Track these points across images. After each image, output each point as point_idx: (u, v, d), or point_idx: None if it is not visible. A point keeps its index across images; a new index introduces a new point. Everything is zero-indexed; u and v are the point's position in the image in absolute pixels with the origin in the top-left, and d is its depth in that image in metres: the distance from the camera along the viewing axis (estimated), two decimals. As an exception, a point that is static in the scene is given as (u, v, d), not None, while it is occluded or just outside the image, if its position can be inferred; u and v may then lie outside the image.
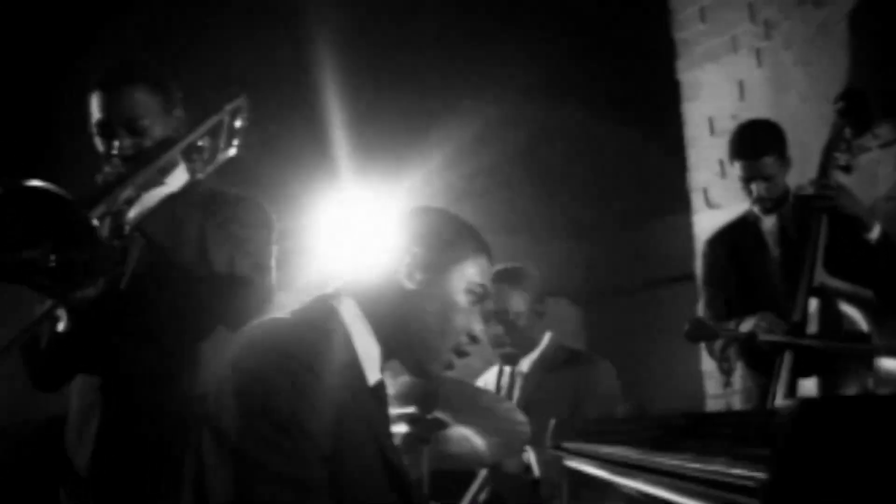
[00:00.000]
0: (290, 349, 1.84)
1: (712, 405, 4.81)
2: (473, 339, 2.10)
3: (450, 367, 2.10)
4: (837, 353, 3.13)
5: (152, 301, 2.44)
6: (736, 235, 3.92)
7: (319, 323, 1.96)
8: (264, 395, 1.78)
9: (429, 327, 2.04)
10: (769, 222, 3.81)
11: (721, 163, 4.88)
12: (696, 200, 5.06)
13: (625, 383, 3.96)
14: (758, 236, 3.84)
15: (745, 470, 1.41)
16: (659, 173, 5.31)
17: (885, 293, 3.48)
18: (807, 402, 1.20)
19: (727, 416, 2.81)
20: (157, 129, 2.60)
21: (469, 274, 2.07)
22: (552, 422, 2.40)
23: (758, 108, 4.69)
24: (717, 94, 5.00)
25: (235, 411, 1.79)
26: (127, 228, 2.31)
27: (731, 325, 3.56)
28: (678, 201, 5.20)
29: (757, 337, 3.07)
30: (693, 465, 1.54)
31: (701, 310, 3.96)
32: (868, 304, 3.36)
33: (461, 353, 2.10)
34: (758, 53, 4.82)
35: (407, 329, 2.04)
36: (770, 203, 3.73)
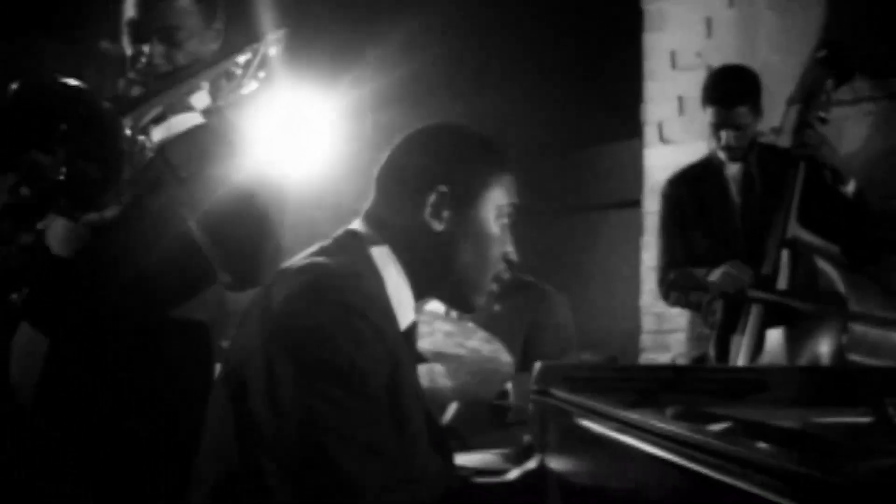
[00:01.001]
0: (343, 297, 1.72)
1: (647, 341, 4.82)
2: (509, 262, 2.01)
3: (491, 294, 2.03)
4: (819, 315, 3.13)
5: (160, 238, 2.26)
6: (698, 179, 3.88)
7: (358, 267, 1.84)
8: (322, 349, 1.66)
9: (467, 267, 1.94)
10: (734, 168, 3.78)
11: (680, 99, 4.85)
12: (650, 134, 5.01)
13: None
14: (721, 182, 3.81)
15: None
16: (613, 99, 5.22)
17: (853, 249, 3.50)
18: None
19: (717, 371, 2.82)
20: (193, 42, 2.35)
21: (497, 199, 1.95)
22: (537, 364, 2.33)
23: (724, 49, 4.65)
24: (682, 28, 4.92)
25: (290, 370, 1.66)
26: (149, 152, 2.12)
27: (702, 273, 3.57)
28: (629, 129, 5.13)
29: (746, 293, 3.06)
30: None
31: (658, 252, 3.94)
32: (838, 260, 3.37)
33: (498, 279, 2.02)
34: (732, -7, 4.75)
35: (446, 273, 1.93)
36: (739, 152, 3.71)
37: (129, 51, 2.32)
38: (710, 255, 3.67)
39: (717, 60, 4.41)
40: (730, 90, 3.70)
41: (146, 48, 2.25)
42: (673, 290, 3.69)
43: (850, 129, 4.28)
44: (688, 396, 2.16)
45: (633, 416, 1.72)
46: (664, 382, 2.25)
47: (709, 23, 4.83)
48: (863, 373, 2.50)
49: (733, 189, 3.78)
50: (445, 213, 1.90)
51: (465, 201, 1.92)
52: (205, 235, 2.20)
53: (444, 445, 1.95)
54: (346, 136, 5.29)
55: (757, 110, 3.71)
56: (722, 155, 3.76)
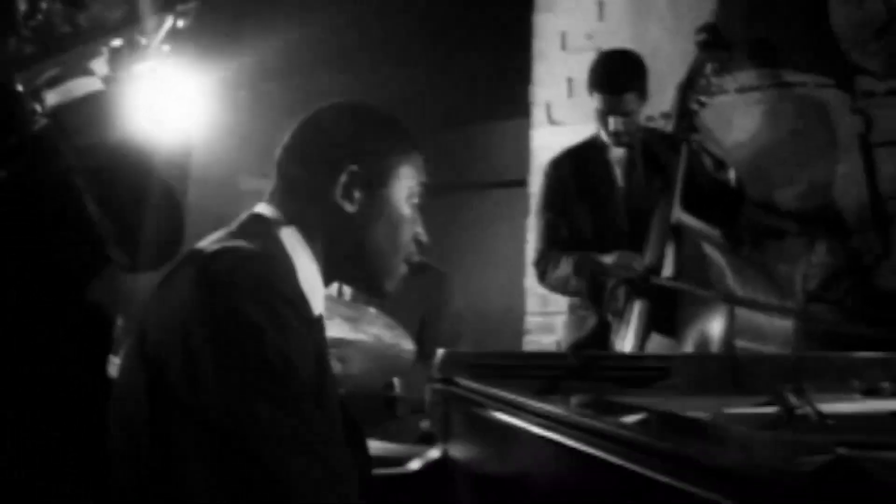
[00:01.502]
0: (265, 282, 1.62)
1: (532, 323, 4.81)
2: (420, 244, 1.94)
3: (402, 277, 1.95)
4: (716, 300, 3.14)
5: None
6: (582, 160, 3.86)
7: (272, 252, 1.74)
8: (248, 339, 1.55)
9: (380, 249, 1.86)
10: (618, 151, 3.78)
11: (569, 80, 4.83)
12: (538, 114, 4.98)
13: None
14: (605, 164, 3.80)
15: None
16: (503, 78, 5.19)
17: (733, 234, 3.54)
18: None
19: (620, 359, 2.81)
20: (97, 5, 2.20)
21: (408, 178, 1.89)
22: (439, 351, 2.28)
23: (616, 32, 4.65)
24: (574, 10, 4.90)
25: (213, 361, 1.54)
26: (41, 117, 1.96)
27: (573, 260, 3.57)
28: (518, 109, 5.11)
29: (650, 279, 3.05)
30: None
31: (536, 237, 3.92)
32: (721, 245, 3.40)
33: (409, 262, 1.94)
34: (624, -25, 4.75)
35: (358, 256, 1.85)
36: (626, 138, 3.70)
37: (22, 5, 2.15)
38: (593, 238, 3.67)
39: (608, 43, 4.40)
40: (617, 77, 3.69)
41: (44, 4, 2.09)
42: (577, 275, 3.66)
43: (738, 119, 4.33)
44: (592, 384, 2.16)
45: (541, 405, 1.68)
46: (569, 370, 2.23)
47: (601, 5, 4.82)
48: (756, 360, 2.53)
49: (617, 172, 3.78)
50: (357, 194, 1.82)
51: (376, 181, 1.85)
52: (100, 210, 2.06)
53: (357, 435, 1.87)
54: (228, 106, 5.15)
55: (643, 95, 3.71)
56: (608, 140, 3.75)
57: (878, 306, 3.92)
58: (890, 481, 1.10)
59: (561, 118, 4.86)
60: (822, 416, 1.76)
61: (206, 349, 1.56)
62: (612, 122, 3.66)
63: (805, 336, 3.91)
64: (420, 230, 1.93)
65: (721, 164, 3.56)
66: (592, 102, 3.75)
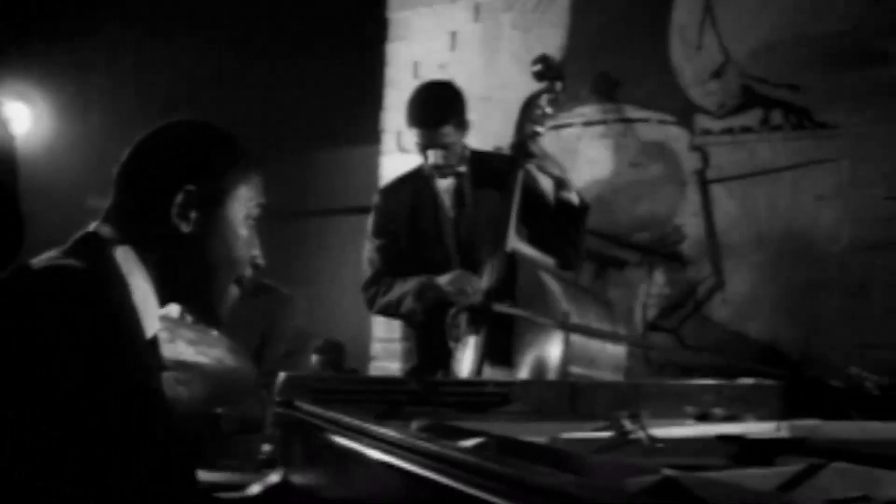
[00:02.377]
0: (92, 305, 1.57)
1: (378, 349, 4.82)
2: (256, 266, 1.92)
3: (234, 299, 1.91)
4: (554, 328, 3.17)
5: None
6: (411, 189, 3.87)
7: (104, 273, 1.70)
8: (69, 362, 1.50)
9: (215, 271, 1.83)
10: (446, 181, 3.79)
11: (420, 109, 4.87)
12: (388, 142, 5.03)
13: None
14: (433, 193, 3.82)
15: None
16: (355, 105, 5.21)
17: (568, 260, 3.60)
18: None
19: (461, 384, 2.83)
20: None
21: (245, 198, 1.87)
22: (280, 375, 2.26)
23: (468, 62, 4.73)
24: (427, 39, 4.97)
25: (28, 384, 1.50)
26: None
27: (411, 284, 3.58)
28: (369, 135, 5.14)
29: (492, 307, 3.07)
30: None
31: (367, 259, 3.91)
32: (555, 273, 3.44)
33: (249, 283, 1.92)
34: (476, 8, 4.84)
35: (194, 277, 1.82)
36: (448, 170, 3.72)
37: None
38: (422, 266, 3.68)
39: (460, 73, 4.47)
40: (432, 111, 3.68)
41: None
42: (419, 299, 3.65)
43: (583, 150, 4.44)
44: (433, 409, 2.17)
45: (381, 429, 1.68)
46: (410, 395, 2.24)
47: (453, 35, 4.89)
48: (594, 387, 2.57)
49: (446, 200, 3.80)
50: (193, 214, 1.79)
51: (213, 201, 1.82)
52: None
53: (186, 460, 1.83)
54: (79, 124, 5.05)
55: (462, 126, 3.72)
56: (434, 174, 3.76)
57: (711, 335, 4.06)
58: (710, 500, 1.14)
59: (410, 146, 4.88)
60: (653, 440, 1.82)
61: (22, 368, 1.51)
62: (432, 155, 3.66)
63: (644, 363, 4.04)
64: (257, 252, 1.91)
65: (561, 183, 3.61)
66: (412, 137, 3.76)
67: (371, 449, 1.65)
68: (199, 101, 5.10)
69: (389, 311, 3.86)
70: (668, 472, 1.35)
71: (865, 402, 2.24)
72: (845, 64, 3.93)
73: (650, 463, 1.55)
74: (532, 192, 3.61)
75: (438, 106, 3.71)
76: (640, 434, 1.89)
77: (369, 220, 3.95)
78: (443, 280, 3.55)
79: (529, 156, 3.54)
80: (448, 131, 3.66)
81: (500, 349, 3.30)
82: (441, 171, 3.71)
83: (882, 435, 1.93)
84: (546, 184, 3.65)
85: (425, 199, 3.81)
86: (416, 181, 3.86)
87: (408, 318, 3.79)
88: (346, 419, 1.82)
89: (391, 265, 3.79)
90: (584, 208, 3.65)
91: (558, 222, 3.64)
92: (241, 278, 1.91)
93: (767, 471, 1.58)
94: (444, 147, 3.66)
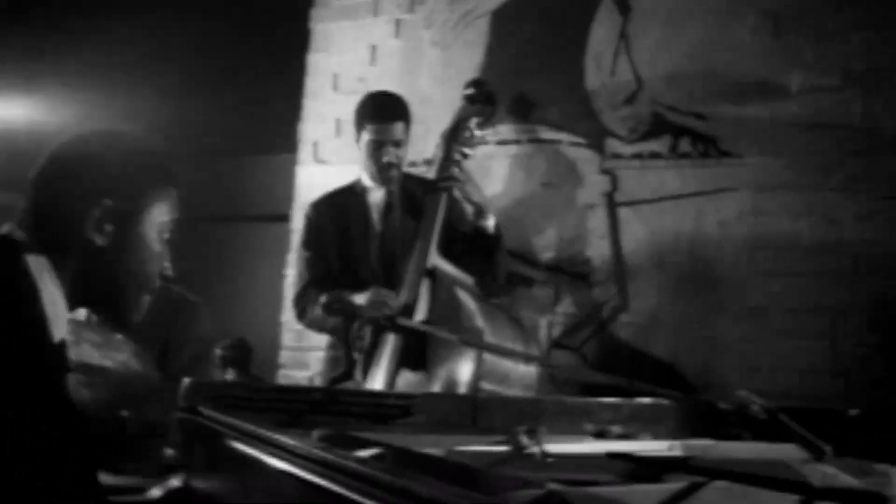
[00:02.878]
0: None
1: (286, 357, 4.83)
2: (166, 278, 1.94)
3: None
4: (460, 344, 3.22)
5: None
6: (342, 203, 3.91)
7: (11, 277, 1.71)
8: None
9: (126, 284, 1.86)
10: (377, 195, 3.84)
11: (338, 121, 4.91)
12: (305, 152, 5.05)
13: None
14: (364, 208, 3.86)
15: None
16: (273, 114, 5.23)
17: (487, 282, 3.67)
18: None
19: (364, 395, 2.86)
20: None
21: (161, 214, 1.90)
22: (184, 381, 2.28)
23: (387, 77, 4.77)
24: (347, 52, 5.01)
25: None
26: None
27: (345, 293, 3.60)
28: (286, 145, 5.16)
29: (395, 320, 3.11)
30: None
31: (296, 276, 3.94)
32: (473, 292, 3.51)
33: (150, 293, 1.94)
34: (398, 24, 4.89)
35: (105, 288, 1.84)
36: (396, 172, 3.76)
37: None
38: (348, 279, 3.72)
39: (379, 87, 4.50)
40: (389, 106, 3.80)
41: None
42: (328, 313, 3.69)
43: (496, 169, 4.52)
44: (336, 419, 2.20)
45: (281, 438, 1.72)
46: (313, 404, 2.28)
47: (373, 50, 4.94)
48: (497, 402, 2.62)
49: (374, 215, 3.84)
50: (108, 228, 1.82)
51: (128, 217, 1.85)
52: None
53: (89, 462, 1.85)
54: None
55: (409, 130, 3.81)
56: (376, 176, 3.79)
57: (614, 355, 4.16)
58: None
59: (327, 157, 4.93)
60: (546, 455, 1.88)
61: None
62: (386, 152, 3.72)
63: (548, 381, 4.11)
64: (167, 265, 1.94)
65: (481, 212, 3.68)
66: (364, 136, 3.78)
67: (269, 456, 1.68)
68: (119, 105, 5.10)
69: (316, 325, 3.90)
70: (553, 486, 1.41)
71: (752, 425, 2.32)
72: (750, 96, 4.08)
73: (540, 477, 1.60)
74: (454, 215, 3.67)
75: (394, 103, 3.83)
76: (534, 449, 1.95)
77: (300, 233, 3.99)
78: (360, 297, 3.58)
79: (455, 180, 3.60)
80: (401, 128, 3.75)
81: (415, 360, 3.36)
82: (391, 170, 3.76)
83: (769, 455, 2.01)
84: (467, 209, 3.71)
85: (355, 214, 3.84)
86: (348, 196, 3.90)
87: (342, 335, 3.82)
88: (248, 426, 1.85)
89: (320, 278, 3.81)
90: (497, 237, 3.72)
91: (476, 249, 3.70)
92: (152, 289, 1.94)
93: (651, 487, 1.64)
94: (396, 144, 3.72)
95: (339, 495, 1.40)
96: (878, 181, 3.86)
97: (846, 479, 1.72)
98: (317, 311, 3.75)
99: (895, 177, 3.84)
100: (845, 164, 3.91)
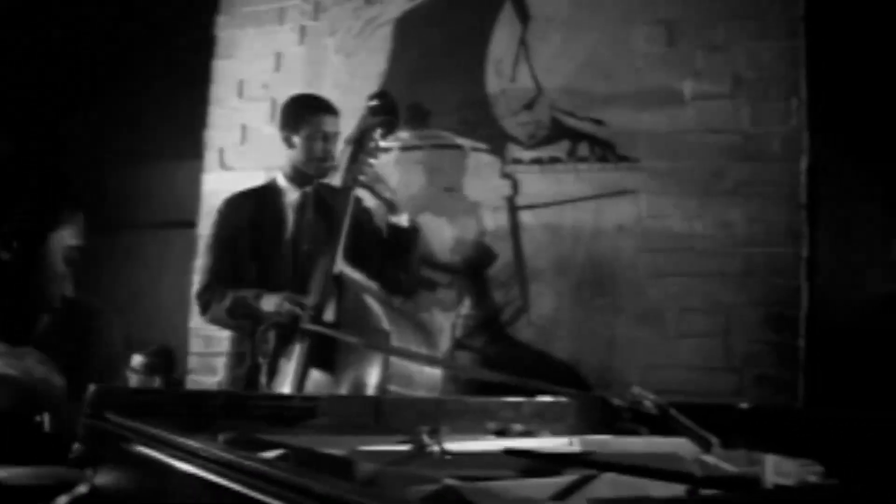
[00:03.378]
0: None
1: (195, 363, 4.84)
2: (65, 298, 1.98)
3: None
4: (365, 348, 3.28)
5: None
6: (257, 202, 3.93)
7: None
8: None
9: (29, 298, 1.89)
10: (292, 197, 3.87)
11: (244, 127, 4.94)
12: (210, 159, 5.07)
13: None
14: (279, 208, 3.89)
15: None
16: (178, 120, 5.22)
17: (393, 283, 3.74)
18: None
19: (269, 399, 2.90)
20: None
21: (67, 238, 1.94)
22: (91, 387, 2.30)
23: (292, 84, 4.80)
24: (252, 59, 5.03)
25: None
26: None
27: (250, 295, 3.63)
28: (191, 151, 5.15)
29: (301, 323, 3.15)
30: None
31: (203, 270, 3.95)
32: (378, 297, 3.57)
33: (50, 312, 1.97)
34: (302, 31, 4.94)
35: (8, 302, 1.87)
36: (329, 165, 3.80)
37: None
38: (259, 279, 3.75)
39: (284, 94, 4.53)
40: (326, 101, 3.90)
41: None
42: (232, 317, 3.71)
43: (400, 174, 4.60)
44: (242, 422, 2.24)
45: (185, 440, 1.76)
46: (220, 408, 2.31)
47: (278, 57, 4.98)
48: (400, 403, 2.68)
49: (289, 216, 3.89)
50: (15, 244, 1.85)
51: (35, 237, 1.89)
52: None
53: None
54: None
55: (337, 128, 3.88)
56: (312, 170, 3.81)
57: (516, 355, 4.26)
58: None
59: (233, 164, 4.95)
60: (445, 453, 1.94)
61: None
62: (320, 146, 3.77)
63: (451, 381, 4.19)
64: (69, 286, 1.98)
65: (392, 206, 3.74)
66: (303, 132, 3.81)
67: (175, 459, 1.72)
68: (17, 115, 5.05)
69: (220, 321, 3.92)
70: (449, 481, 1.48)
71: (646, 420, 2.42)
72: (646, 103, 4.21)
73: (439, 474, 1.67)
74: (362, 218, 3.73)
75: (323, 99, 3.94)
76: (435, 448, 2.02)
77: (211, 229, 3.98)
78: (267, 303, 3.60)
79: (360, 184, 3.66)
80: (338, 122, 3.85)
81: (324, 361, 3.41)
82: (326, 163, 3.81)
83: (662, 448, 2.10)
84: (378, 209, 3.77)
85: (270, 214, 3.87)
86: (261, 196, 3.93)
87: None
88: (153, 430, 1.89)
89: (227, 274, 3.83)
90: (414, 230, 3.80)
91: (389, 247, 3.76)
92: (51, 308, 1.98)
93: (544, 481, 1.72)
94: (333, 138, 3.81)
95: (243, 495, 1.45)
96: (767, 184, 4.02)
97: (726, 468, 1.82)
98: (220, 310, 3.77)
99: (782, 180, 4.02)
100: (736, 168, 4.07)
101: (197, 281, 3.99)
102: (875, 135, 4.12)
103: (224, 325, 3.98)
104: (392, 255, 3.75)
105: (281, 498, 1.35)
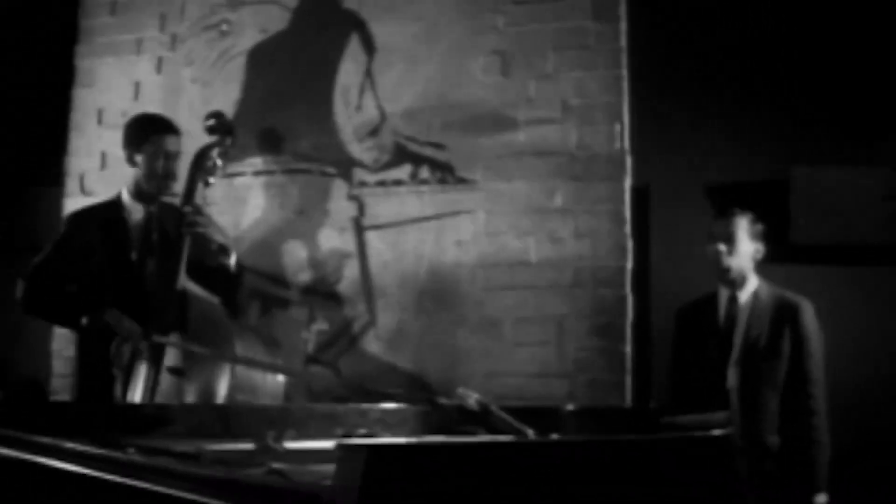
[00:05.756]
0: None
1: (58, 384, 4.93)
2: None
3: None
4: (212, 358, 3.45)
5: None
6: (103, 218, 3.97)
7: None
8: None
9: None
10: (137, 215, 3.92)
11: (104, 154, 5.07)
12: (72, 185, 5.18)
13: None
14: (124, 226, 3.94)
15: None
16: (38, 147, 5.33)
17: (230, 303, 3.92)
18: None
19: (126, 409, 3.05)
20: None
21: None
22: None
23: (149, 111, 4.93)
24: (111, 87, 5.18)
25: None
26: None
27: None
28: (52, 177, 5.26)
29: (150, 337, 3.32)
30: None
31: (39, 259, 3.94)
32: (222, 311, 3.73)
33: None
34: (160, 61, 5.11)
35: None
36: (170, 183, 3.90)
37: None
38: (105, 292, 3.82)
39: (142, 121, 4.71)
40: (167, 121, 4.00)
41: None
42: (90, 327, 3.78)
43: (252, 198, 4.84)
44: (95, 431, 2.40)
45: (44, 439, 1.95)
46: (77, 416, 2.47)
47: (138, 85, 5.13)
48: (248, 410, 2.85)
49: (133, 234, 3.93)
50: None
51: None
52: None
53: None
54: None
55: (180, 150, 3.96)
56: (154, 186, 3.87)
57: (365, 367, 4.50)
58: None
59: (93, 189, 5.07)
60: (285, 451, 2.19)
61: None
62: (166, 163, 3.84)
63: (306, 393, 4.41)
64: None
65: (224, 250, 3.86)
66: (146, 150, 3.88)
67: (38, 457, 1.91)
68: None
69: (45, 314, 4.07)
70: (276, 465, 1.74)
71: (470, 417, 2.66)
72: (483, 128, 4.53)
73: (260, 461, 1.90)
74: (200, 252, 3.85)
75: (169, 119, 4.03)
76: (275, 445, 2.27)
77: (56, 239, 4.03)
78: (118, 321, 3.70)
79: (197, 225, 3.77)
80: (180, 141, 3.94)
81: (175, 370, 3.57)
82: (167, 180, 3.89)
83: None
84: (211, 249, 3.87)
85: (115, 231, 3.93)
86: (109, 212, 3.98)
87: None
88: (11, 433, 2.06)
89: (59, 275, 3.92)
90: (238, 275, 3.94)
91: (219, 281, 3.90)
92: None
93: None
94: (174, 156, 3.89)
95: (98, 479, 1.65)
96: (594, 202, 4.36)
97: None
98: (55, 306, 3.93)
99: (608, 198, 4.36)
100: (565, 187, 4.40)
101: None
102: (692, 155, 4.52)
103: (45, 317, 4.08)
104: (220, 290, 3.87)
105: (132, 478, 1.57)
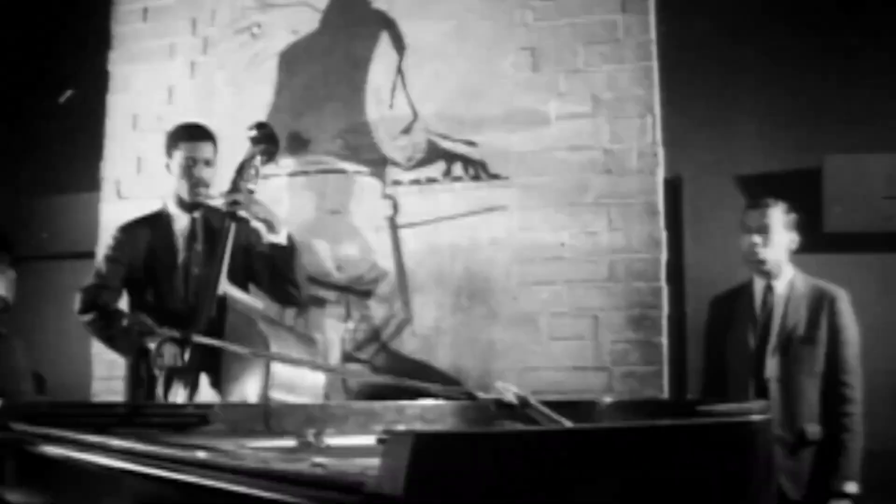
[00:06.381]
0: None
1: (99, 387, 4.99)
2: None
3: None
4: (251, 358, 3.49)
5: None
6: (149, 228, 4.04)
7: None
8: None
9: None
10: (182, 223, 3.98)
11: (139, 159, 5.13)
12: (108, 190, 5.24)
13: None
14: (169, 235, 4.00)
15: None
16: (75, 153, 5.40)
17: (289, 298, 3.97)
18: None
19: (165, 408, 3.09)
20: None
21: None
22: (-3, 401, 2.48)
23: (184, 116, 4.95)
24: (146, 92, 5.24)
25: None
26: None
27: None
28: (88, 183, 5.32)
29: (191, 338, 3.35)
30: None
31: (94, 272, 4.03)
32: (260, 315, 3.77)
33: None
34: (192, 65, 5.16)
35: None
36: (206, 189, 3.94)
37: None
38: (156, 304, 3.88)
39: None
40: (200, 128, 4.02)
41: None
42: (130, 334, 3.84)
43: (288, 199, 4.88)
44: (140, 430, 2.44)
45: (87, 437, 1.97)
46: (119, 417, 2.51)
47: (171, 90, 5.19)
48: (287, 408, 2.87)
49: (180, 242, 3.98)
50: None
51: None
52: None
53: None
54: None
55: (216, 154, 4.01)
56: (188, 193, 3.92)
57: (401, 365, 4.54)
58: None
59: (130, 193, 5.12)
60: (326, 447, 2.22)
61: None
62: (198, 171, 3.88)
63: (343, 391, 4.44)
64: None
65: (271, 226, 3.91)
66: (177, 158, 3.93)
67: (77, 452, 1.93)
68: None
69: (102, 339, 4.07)
70: (318, 460, 1.77)
71: (509, 411, 2.68)
72: (515, 123, 4.54)
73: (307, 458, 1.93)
74: (251, 239, 3.91)
75: (204, 127, 4.05)
76: (316, 442, 2.31)
77: (105, 247, 4.06)
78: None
79: (238, 203, 3.83)
80: (211, 149, 3.96)
81: (213, 372, 3.61)
82: (199, 188, 3.92)
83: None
84: (258, 227, 3.95)
85: (162, 240, 3.98)
86: (154, 222, 4.03)
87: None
88: (59, 432, 2.10)
89: (117, 286, 3.97)
90: (291, 247, 3.98)
91: (274, 263, 3.95)
92: None
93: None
94: (207, 164, 3.92)
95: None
96: (626, 195, 4.37)
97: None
98: (107, 323, 3.91)
99: (641, 191, 4.37)
100: (598, 181, 4.41)
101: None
102: (723, 146, 4.52)
103: (106, 342, 4.12)
104: (278, 271, 3.94)
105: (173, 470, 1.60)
